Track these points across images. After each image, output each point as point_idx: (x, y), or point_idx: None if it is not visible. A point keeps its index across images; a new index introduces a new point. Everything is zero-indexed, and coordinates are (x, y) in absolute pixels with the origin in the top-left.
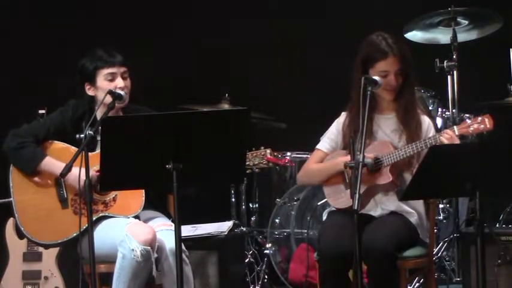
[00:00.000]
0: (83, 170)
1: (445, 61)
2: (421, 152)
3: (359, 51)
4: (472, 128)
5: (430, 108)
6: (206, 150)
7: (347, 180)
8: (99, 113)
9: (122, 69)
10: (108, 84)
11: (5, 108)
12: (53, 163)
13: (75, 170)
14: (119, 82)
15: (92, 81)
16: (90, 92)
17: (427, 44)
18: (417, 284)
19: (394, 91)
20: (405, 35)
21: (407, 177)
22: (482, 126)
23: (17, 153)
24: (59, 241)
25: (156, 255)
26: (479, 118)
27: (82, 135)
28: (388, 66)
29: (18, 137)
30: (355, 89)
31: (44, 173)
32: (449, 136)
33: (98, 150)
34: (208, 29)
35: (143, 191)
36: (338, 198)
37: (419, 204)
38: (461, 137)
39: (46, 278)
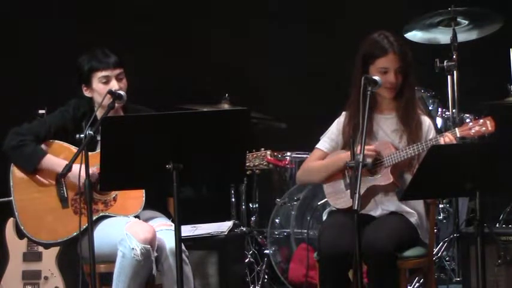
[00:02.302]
0: (83, 167)
1: (445, 61)
2: (422, 153)
3: (360, 49)
4: (473, 130)
5: (430, 108)
6: (206, 150)
7: (347, 180)
8: (99, 113)
9: (117, 71)
10: (104, 86)
11: (5, 108)
12: (53, 160)
13: (75, 168)
14: (114, 85)
15: (88, 84)
16: (87, 93)
17: (427, 44)
18: (417, 284)
19: (394, 89)
20: (405, 35)
21: (408, 177)
22: (483, 128)
23: (18, 152)
24: (59, 241)
25: (156, 254)
26: (481, 120)
27: (82, 135)
28: (388, 63)
29: (18, 136)
30: (355, 86)
31: (44, 171)
32: (449, 141)
33: (98, 150)
34: (208, 29)
35: (143, 191)
36: (338, 198)
37: (419, 204)
38: (462, 137)
39: (46, 278)
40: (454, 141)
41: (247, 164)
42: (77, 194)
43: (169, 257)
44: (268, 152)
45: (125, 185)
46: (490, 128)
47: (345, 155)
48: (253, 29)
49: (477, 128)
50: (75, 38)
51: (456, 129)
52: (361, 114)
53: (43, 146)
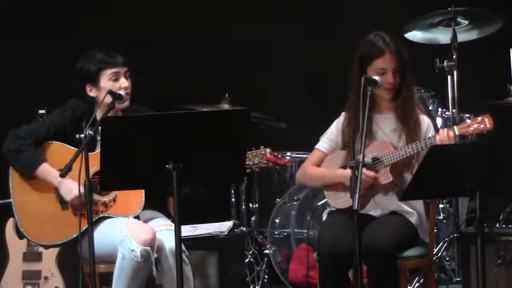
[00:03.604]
0: (80, 187)
1: (445, 61)
2: (421, 152)
3: (356, 50)
4: (472, 128)
5: (430, 108)
6: (206, 150)
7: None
8: (99, 113)
9: (125, 69)
10: (113, 84)
11: (5, 108)
12: (48, 170)
13: (69, 185)
14: (123, 82)
15: (95, 82)
16: (91, 93)
17: (427, 44)
18: (417, 284)
19: (393, 90)
20: (405, 35)
21: (407, 177)
22: (482, 126)
23: (16, 156)
24: (59, 242)
25: (155, 255)
26: (479, 118)
27: (82, 135)
28: (385, 64)
29: (18, 139)
30: (353, 88)
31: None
32: (444, 137)
33: (98, 150)
34: (208, 29)
35: (143, 191)
36: (338, 198)
37: (419, 204)
38: (461, 136)
39: (46, 278)
40: (451, 134)
41: (247, 162)
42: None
43: (169, 257)
44: (268, 150)
45: (125, 185)
46: (488, 126)
47: (344, 173)
48: (253, 29)
49: (476, 125)
50: (75, 38)
51: (455, 127)
52: (361, 114)
53: (42, 148)
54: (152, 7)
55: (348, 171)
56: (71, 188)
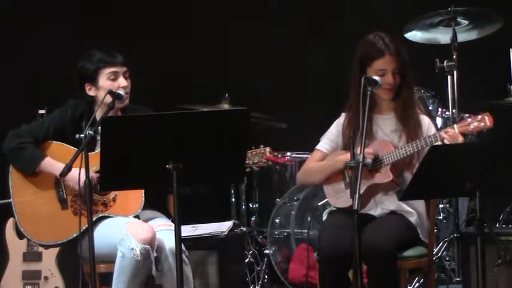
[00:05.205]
0: (82, 172)
1: (445, 61)
2: (421, 152)
3: (357, 51)
4: (472, 126)
5: (430, 108)
6: (206, 150)
7: (347, 180)
8: (98, 113)
9: (124, 69)
10: (111, 83)
11: (5, 108)
12: (52, 164)
13: (74, 172)
14: (122, 81)
15: (94, 82)
16: (90, 92)
17: (427, 44)
18: (417, 284)
19: (392, 90)
20: (405, 35)
21: (408, 176)
22: (482, 124)
23: (17, 154)
24: (59, 242)
25: (155, 254)
26: (479, 116)
27: (82, 135)
28: (385, 65)
29: (18, 137)
30: (354, 88)
31: (43, 173)
32: (452, 134)
33: (98, 150)
34: (208, 29)
35: (143, 191)
36: (338, 197)
37: (420, 204)
38: (461, 134)
39: (46, 278)
40: (456, 136)
41: (247, 162)
42: (75, 196)
43: (169, 257)
44: (268, 149)
45: (125, 185)
46: (488, 124)
47: (343, 157)
48: (253, 29)
49: (476, 123)
50: (75, 38)
51: (455, 125)
52: (361, 114)
53: (42, 147)
54: (152, 7)
55: (348, 155)
56: (75, 175)
